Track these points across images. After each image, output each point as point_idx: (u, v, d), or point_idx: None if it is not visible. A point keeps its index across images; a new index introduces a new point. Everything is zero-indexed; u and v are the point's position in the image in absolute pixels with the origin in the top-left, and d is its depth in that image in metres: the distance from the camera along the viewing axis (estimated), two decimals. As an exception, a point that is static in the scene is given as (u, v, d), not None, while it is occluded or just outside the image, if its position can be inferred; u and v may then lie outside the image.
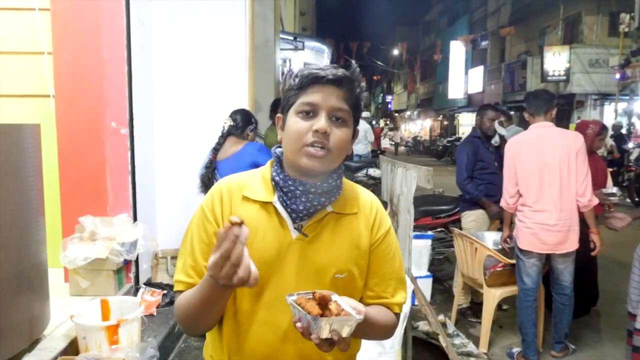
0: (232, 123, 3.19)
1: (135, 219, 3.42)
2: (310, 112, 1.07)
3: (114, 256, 2.97)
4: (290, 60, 9.52)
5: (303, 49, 9.44)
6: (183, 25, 3.85)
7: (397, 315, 1.21)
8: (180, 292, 1.11)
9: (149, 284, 3.55)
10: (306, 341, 1.03)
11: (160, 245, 3.72)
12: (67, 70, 3.19)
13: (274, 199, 1.11)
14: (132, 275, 3.41)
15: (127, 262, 3.24)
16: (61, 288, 3.08)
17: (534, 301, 3.18)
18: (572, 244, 3.07)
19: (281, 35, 8.10)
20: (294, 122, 1.08)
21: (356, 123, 1.15)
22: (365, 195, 1.22)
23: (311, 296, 0.95)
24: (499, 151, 4.09)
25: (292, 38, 9.20)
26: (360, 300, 1.14)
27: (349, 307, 0.95)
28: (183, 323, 1.10)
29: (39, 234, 2.38)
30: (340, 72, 1.08)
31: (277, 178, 1.12)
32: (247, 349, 1.12)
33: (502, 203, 3.28)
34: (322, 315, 0.91)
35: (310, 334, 0.91)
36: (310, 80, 1.07)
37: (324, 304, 0.94)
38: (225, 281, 0.89)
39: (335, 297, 0.97)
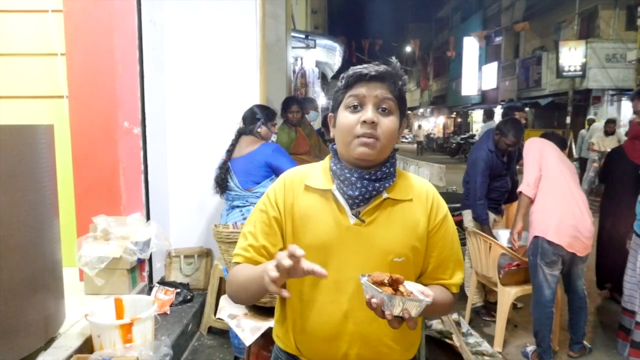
0: (242, 124, 3.20)
1: (148, 218, 3.45)
2: (357, 106, 1.15)
3: (127, 255, 2.99)
4: (301, 59, 9.51)
5: (315, 47, 9.41)
6: (194, 25, 3.86)
7: (454, 294, 1.27)
8: (237, 263, 1.23)
9: (162, 282, 3.58)
10: (365, 321, 1.17)
11: (173, 244, 3.75)
12: (80, 71, 3.21)
13: (333, 187, 1.20)
14: (145, 274, 3.44)
15: (140, 261, 3.27)
16: (76, 287, 3.12)
17: (552, 312, 3.08)
18: (590, 247, 3.04)
19: (292, 34, 8.09)
20: (344, 116, 1.17)
21: (402, 114, 1.21)
22: (420, 183, 1.28)
23: (384, 278, 1.01)
24: (511, 155, 3.91)
25: (303, 36, 9.17)
26: (419, 282, 1.20)
27: (417, 291, 1.02)
28: (229, 291, 1.24)
29: (53, 234, 2.41)
30: (382, 67, 1.16)
31: (334, 167, 1.21)
32: (310, 329, 1.20)
33: (523, 186, 3.12)
34: (395, 295, 0.98)
35: (383, 311, 0.98)
36: (355, 79, 1.16)
37: (395, 286, 1.01)
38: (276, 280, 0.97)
39: (405, 282, 1.04)
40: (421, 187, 1.26)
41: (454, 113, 32.55)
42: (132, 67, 3.33)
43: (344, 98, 1.18)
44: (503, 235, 3.72)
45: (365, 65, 1.17)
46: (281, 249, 1.21)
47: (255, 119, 3.19)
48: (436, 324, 3.41)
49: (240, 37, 3.89)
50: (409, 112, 46.24)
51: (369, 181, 1.17)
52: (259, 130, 3.18)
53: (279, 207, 1.23)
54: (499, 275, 3.35)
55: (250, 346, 2.12)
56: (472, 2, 27.69)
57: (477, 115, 28.37)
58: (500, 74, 22.34)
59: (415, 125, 42.27)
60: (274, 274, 0.95)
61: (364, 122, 1.13)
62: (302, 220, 1.20)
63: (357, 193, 1.17)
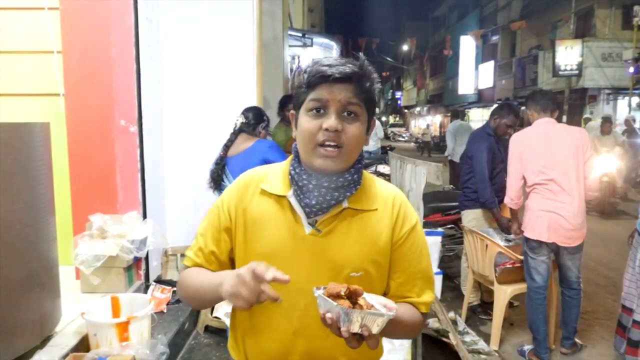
0: (243, 120, 3.19)
1: (145, 216, 3.44)
2: (320, 110, 1.05)
3: (124, 253, 2.98)
4: (298, 57, 9.51)
5: (312, 45, 9.42)
6: (191, 23, 3.85)
7: (424, 315, 1.17)
8: (187, 267, 1.20)
9: (159, 281, 3.57)
10: (318, 338, 1.09)
11: (170, 242, 3.74)
12: (76, 69, 3.20)
13: (289, 193, 1.11)
14: (142, 272, 3.43)
15: (137, 260, 3.26)
16: (72, 285, 3.11)
17: (543, 299, 3.15)
18: (582, 237, 3.06)
19: (289, 32, 8.09)
20: (305, 121, 1.07)
21: (370, 116, 1.12)
22: (388, 191, 1.17)
23: (340, 290, 0.92)
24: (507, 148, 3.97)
25: (300, 35, 9.18)
26: None
27: (379, 304, 0.93)
28: (181, 295, 1.22)
29: (49, 232, 2.40)
30: (348, 68, 1.04)
31: (293, 172, 1.12)
32: (260, 345, 1.14)
33: (507, 200, 3.25)
34: (353, 309, 0.89)
35: (339, 327, 0.89)
36: (318, 80, 1.04)
37: (354, 299, 0.91)
38: (237, 303, 0.95)
39: (365, 294, 0.94)
40: (389, 194, 1.15)
41: (451, 112, 32.60)
42: (128, 65, 3.31)
43: (305, 99, 1.07)
44: (498, 234, 3.73)
45: (329, 63, 1.05)
46: (230, 256, 1.18)
47: (262, 119, 3.21)
48: (432, 323, 3.42)
49: (237, 35, 3.88)
50: (406, 110, 46.43)
51: (328, 189, 1.07)
52: (260, 130, 3.20)
53: (230, 214, 1.15)
54: (495, 273, 3.36)
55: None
56: (468, 1, 27.71)
57: (474, 114, 28.42)
58: (497, 72, 22.37)
59: (413, 124, 42.31)
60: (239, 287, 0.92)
61: (326, 129, 1.03)
62: (254, 226, 1.12)
63: (314, 202, 1.07)
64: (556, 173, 3.02)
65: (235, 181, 1.21)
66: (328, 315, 0.89)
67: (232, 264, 1.20)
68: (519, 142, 3.17)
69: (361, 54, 1.11)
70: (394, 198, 1.15)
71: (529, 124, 3.29)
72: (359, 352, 0.99)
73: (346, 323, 0.88)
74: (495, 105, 4.23)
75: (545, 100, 3.21)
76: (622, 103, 16.01)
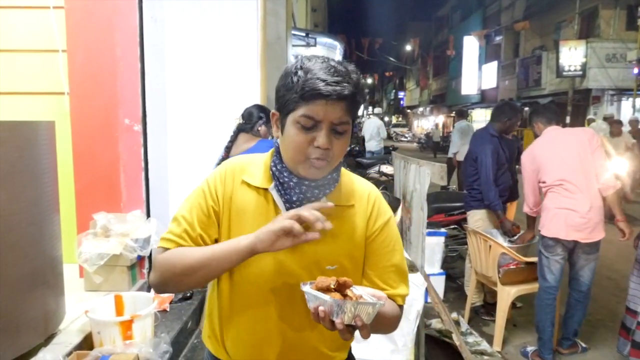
0: (241, 121, 3.19)
1: (148, 215, 3.45)
2: (310, 127, 1.05)
3: (127, 252, 2.99)
4: (302, 57, 9.51)
5: (315, 45, 9.42)
6: (195, 23, 3.85)
7: (401, 307, 1.20)
8: (165, 249, 1.13)
9: (162, 280, 3.57)
10: (296, 329, 1.13)
11: (173, 241, 3.74)
12: (81, 68, 3.21)
13: (271, 186, 1.14)
14: (145, 271, 3.44)
15: (140, 258, 3.27)
16: (76, 284, 3.12)
17: (553, 300, 3.14)
18: (599, 233, 3.05)
19: (293, 32, 8.09)
20: (294, 133, 1.06)
21: (354, 122, 1.12)
22: (364, 187, 1.21)
23: (330, 283, 0.93)
24: (511, 148, 3.98)
25: (304, 34, 9.18)
26: None
27: (367, 294, 0.95)
28: (164, 275, 1.11)
29: (53, 230, 2.41)
30: (347, 90, 1.03)
31: (274, 169, 1.14)
32: (239, 335, 1.17)
33: (525, 209, 3.30)
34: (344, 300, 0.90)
35: (331, 321, 0.91)
36: (313, 95, 1.02)
37: (343, 290, 0.93)
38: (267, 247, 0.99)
39: (353, 285, 0.96)
40: (364, 190, 1.20)
41: (454, 112, 32.57)
42: (133, 64, 3.32)
43: (295, 108, 1.05)
44: (503, 235, 3.73)
45: (325, 78, 1.02)
46: (216, 241, 1.16)
47: (258, 117, 3.19)
48: (435, 323, 3.42)
49: (241, 35, 3.89)
50: (409, 110, 46.40)
51: (309, 187, 1.11)
52: (259, 128, 3.18)
53: (218, 199, 1.15)
54: (499, 274, 3.35)
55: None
56: (472, 1, 27.67)
57: (477, 115, 28.38)
58: (500, 73, 22.35)
59: (416, 124, 42.26)
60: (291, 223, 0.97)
61: (317, 147, 1.04)
62: (237, 216, 1.14)
63: (294, 198, 1.11)
64: (565, 173, 3.04)
65: (219, 168, 1.20)
66: (321, 308, 0.90)
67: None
68: (531, 157, 3.23)
69: (353, 66, 1.09)
70: (369, 194, 1.19)
71: (536, 136, 3.36)
72: (334, 340, 1.11)
73: (340, 315, 0.88)
74: (494, 107, 4.24)
75: (549, 113, 3.30)
76: (627, 104, 15.96)
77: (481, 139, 3.96)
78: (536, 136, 3.36)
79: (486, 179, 3.75)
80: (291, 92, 1.05)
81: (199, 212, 1.14)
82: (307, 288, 0.93)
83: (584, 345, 3.36)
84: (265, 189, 1.14)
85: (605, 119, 12.20)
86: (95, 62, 3.22)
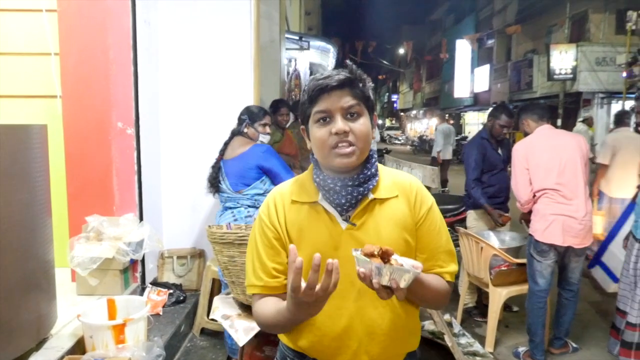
0: (235, 125, 3.22)
1: (141, 218, 3.44)
2: (326, 118, 1.18)
3: (120, 256, 2.98)
4: (295, 60, 9.53)
5: (309, 48, 9.44)
6: (189, 26, 3.86)
7: (450, 283, 1.30)
8: (255, 295, 1.27)
9: (155, 283, 3.57)
10: (372, 318, 1.22)
11: (166, 245, 3.74)
12: (73, 71, 3.21)
13: (319, 197, 1.23)
14: (138, 274, 3.43)
15: (133, 262, 3.26)
16: (68, 287, 3.11)
17: (545, 303, 3.16)
18: (591, 238, 3.10)
19: (286, 35, 8.11)
20: (316, 131, 1.19)
21: (371, 112, 1.24)
22: (404, 178, 1.31)
23: (374, 249, 1.05)
24: (507, 150, 4.00)
25: (297, 38, 9.20)
26: None
27: (408, 264, 1.06)
28: (263, 327, 1.28)
29: (46, 234, 2.40)
30: (342, 75, 1.18)
31: (317, 179, 1.24)
32: (318, 329, 1.23)
33: (518, 205, 3.28)
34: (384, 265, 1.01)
35: (371, 281, 1.01)
36: (317, 92, 1.17)
37: (386, 258, 1.04)
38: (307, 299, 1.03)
39: (395, 255, 1.07)
40: (404, 181, 1.29)
41: (447, 115, 32.68)
42: (126, 67, 3.32)
43: (311, 113, 1.20)
44: (494, 237, 3.76)
45: (325, 75, 1.19)
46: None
47: (240, 119, 3.22)
48: (428, 325, 3.44)
49: (234, 38, 3.90)
50: (402, 113, 46.54)
51: (353, 187, 1.20)
52: (245, 130, 3.20)
53: (275, 226, 1.25)
54: (490, 275, 3.38)
55: (243, 346, 2.12)
56: (465, 5, 27.84)
57: (469, 118, 28.54)
58: (493, 76, 22.49)
59: (409, 127, 42.39)
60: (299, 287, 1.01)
61: (336, 133, 1.15)
62: (296, 233, 1.23)
63: (343, 200, 1.20)
64: (565, 177, 3.04)
65: (267, 198, 1.31)
66: (361, 270, 1.02)
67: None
68: (522, 153, 3.18)
69: (348, 61, 1.23)
70: (411, 184, 1.29)
71: (526, 134, 3.33)
72: (406, 325, 1.25)
73: (377, 277, 1.01)
74: (494, 106, 4.29)
75: (540, 110, 3.28)
76: (616, 107, 16.10)
77: (471, 142, 4.06)
78: (525, 134, 3.33)
79: (467, 180, 3.89)
80: (304, 104, 1.22)
81: (264, 247, 1.25)
82: (356, 253, 1.05)
83: (574, 345, 3.39)
84: (315, 202, 1.24)
85: (584, 120, 12.37)
86: (88, 65, 3.21)
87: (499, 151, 3.97)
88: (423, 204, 1.27)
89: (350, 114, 1.17)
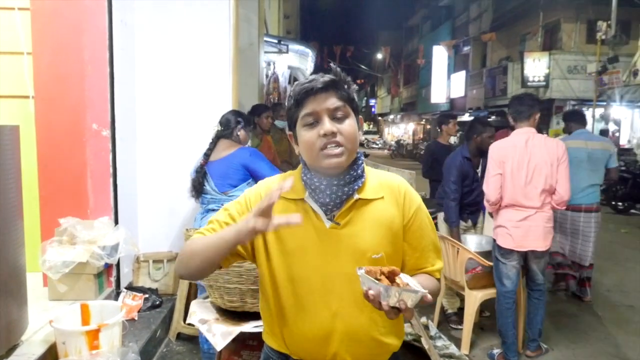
0: (220, 128, 3.19)
1: (116, 222, 3.38)
2: (313, 122, 1.19)
3: (94, 260, 2.92)
4: (274, 63, 9.51)
5: (287, 52, 9.43)
6: (167, 27, 3.82)
7: (438, 280, 1.33)
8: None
9: (130, 288, 3.51)
10: (354, 318, 1.22)
11: (142, 249, 3.68)
12: (47, 71, 3.14)
13: (305, 195, 1.25)
14: (113, 279, 3.37)
15: (108, 266, 3.20)
16: (40, 292, 3.03)
17: (513, 303, 3.24)
18: (550, 242, 3.18)
19: (265, 38, 8.09)
20: (303, 134, 1.21)
21: (357, 114, 1.25)
22: (392, 179, 1.32)
23: (379, 270, 1.05)
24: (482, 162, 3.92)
25: (276, 41, 9.18)
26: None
27: (413, 283, 1.08)
28: (180, 260, 1.25)
29: (17, 238, 2.34)
30: (327, 78, 1.20)
31: (305, 178, 1.26)
32: (300, 330, 1.24)
33: (485, 204, 3.32)
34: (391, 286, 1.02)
35: (379, 302, 1.02)
36: (304, 95, 1.19)
37: (392, 277, 1.05)
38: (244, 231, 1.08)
39: (401, 274, 1.08)
40: (392, 183, 1.30)
41: (424, 120, 33.11)
42: (101, 67, 3.27)
43: (298, 116, 1.21)
44: (470, 240, 3.82)
45: (310, 79, 1.21)
46: (251, 250, 1.29)
47: (236, 121, 3.20)
48: (405, 327, 3.46)
49: (213, 41, 3.88)
50: (380, 118, 46.92)
51: (338, 187, 1.21)
52: (238, 133, 3.19)
53: (249, 209, 1.26)
54: (466, 279, 3.43)
55: (221, 351, 2.10)
56: (441, 12, 28.28)
57: (445, 123, 28.78)
58: (468, 82, 22.86)
59: (386, 131, 42.75)
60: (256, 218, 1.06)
61: (324, 134, 1.17)
62: (280, 229, 1.21)
63: (328, 200, 1.21)
64: (530, 187, 3.09)
65: (255, 188, 1.33)
66: (370, 292, 1.02)
67: (252, 250, 1.29)
68: (499, 152, 3.19)
69: (332, 64, 1.26)
70: (398, 185, 1.30)
71: (513, 128, 3.32)
72: (386, 325, 1.25)
73: (386, 298, 1.01)
74: (466, 128, 4.24)
75: (522, 107, 3.20)
76: (587, 114, 16.57)
77: (453, 159, 3.93)
78: (510, 125, 3.32)
79: (447, 200, 3.84)
80: (291, 108, 1.24)
81: (225, 217, 1.27)
82: (361, 272, 1.05)
83: (545, 346, 3.47)
84: (301, 199, 1.25)
85: (563, 130, 12.71)
86: (62, 65, 3.15)
87: (477, 168, 3.94)
88: (412, 204, 1.28)
89: (337, 116, 1.19)
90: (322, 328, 1.22)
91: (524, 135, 3.18)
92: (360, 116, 1.29)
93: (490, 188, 3.21)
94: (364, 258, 1.21)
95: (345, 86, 1.22)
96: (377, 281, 1.02)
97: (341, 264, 1.21)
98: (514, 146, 3.18)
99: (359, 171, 1.25)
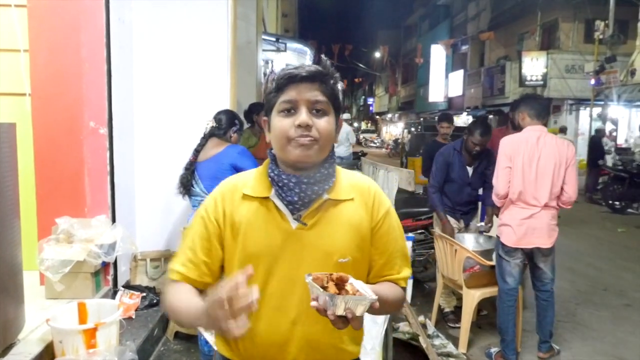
0: (214, 124, 3.16)
1: (114, 220, 3.37)
2: (290, 109, 1.13)
3: (91, 258, 2.91)
4: (272, 62, 9.50)
5: (285, 50, 9.43)
6: (164, 25, 3.81)
7: (404, 289, 1.28)
8: (174, 281, 1.19)
9: (127, 286, 3.50)
10: (314, 325, 1.15)
11: (140, 247, 3.67)
12: (44, 69, 3.12)
13: (271, 193, 1.18)
14: (110, 277, 3.36)
15: (105, 265, 3.19)
16: (36, 291, 3.01)
17: (514, 302, 3.23)
18: (554, 239, 3.17)
19: (263, 37, 8.08)
20: (278, 120, 1.14)
21: (337, 113, 1.20)
22: (362, 181, 1.27)
23: (324, 277, 1.00)
24: (487, 162, 3.90)
25: (274, 39, 9.18)
26: (368, 280, 1.21)
27: (364, 289, 1.01)
28: (169, 312, 1.17)
29: (14, 236, 2.33)
30: (313, 67, 1.14)
31: (272, 174, 1.18)
32: (258, 336, 1.17)
33: (494, 199, 3.27)
34: (338, 294, 0.96)
35: (326, 311, 0.96)
36: (286, 80, 1.13)
37: (341, 284, 0.99)
38: (214, 322, 0.92)
39: (351, 279, 1.02)
40: (362, 185, 1.25)
41: (422, 119, 33.12)
42: (99, 65, 3.25)
43: (276, 102, 1.15)
44: (468, 239, 3.82)
45: (296, 66, 1.15)
46: (222, 264, 1.21)
47: (233, 122, 3.18)
48: (403, 326, 3.47)
49: (211, 39, 3.86)
50: (378, 116, 46.91)
51: (308, 185, 1.15)
52: (231, 134, 3.17)
53: (218, 221, 1.20)
54: (464, 277, 3.43)
55: (219, 350, 2.09)
56: (439, 11, 28.27)
57: (443, 122, 28.77)
58: (466, 81, 22.87)
59: (384, 130, 42.76)
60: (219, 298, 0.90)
61: (299, 125, 1.11)
62: (243, 229, 1.17)
63: (296, 198, 1.15)
64: (538, 184, 3.08)
65: (215, 190, 1.26)
66: (314, 304, 0.97)
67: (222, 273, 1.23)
68: (510, 147, 3.16)
69: (323, 55, 1.20)
70: (369, 187, 1.25)
71: (518, 126, 3.28)
72: (348, 334, 1.19)
73: (331, 307, 0.95)
74: (473, 120, 4.29)
75: (539, 107, 3.20)
76: (584, 113, 16.61)
77: (444, 149, 4.01)
78: (517, 125, 3.25)
79: (429, 185, 3.95)
80: (270, 92, 1.17)
81: (200, 239, 1.20)
82: (309, 279, 0.99)
83: (557, 347, 3.46)
84: (266, 197, 1.18)
85: (561, 130, 12.76)
86: (59, 62, 3.14)
87: (470, 166, 3.91)
88: (381, 207, 1.23)
89: (316, 110, 1.13)
90: (280, 334, 1.16)
91: (536, 133, 3.15)
92: (341, 117, 1.22)
93: (500, 181, 3.18)
94: (331, 262, 1.15)
95: (332, 81, 1.16)
96: (322, 289, 0.96)
97: (305, 268, 1.12)
98: (526, 142, 3.14)
99: (331, 170, 1.19)
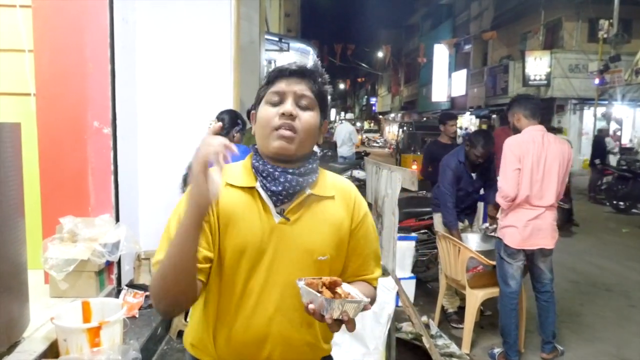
0: (215, 123, 3.17)
1: (117, 219, 3.38)
2: (277, 101, 1.16)
3: (95, 257, 2.92)
4: (275, 61, 9.51)
5: (288, 50, 9.44)
6: (168, 25, 3.81)
7: (375, 288, 1.32)
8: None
9: (131, 285, 3.51)
10: (289, 322, 1.16)
11: (143, 246, 3.68)
12: (48, 69, 3.13)
13: (257, 184, 1.18)
14: (114, 276, 3.37)
15: (109, 264, 3.20)
16: (41, 290, 3.03)
17: (516, 304, 3.22)
18: (556, 239, 3.18)
19: (266, 36, 8.09)
20: (264, 110, 1.17)
21: (323, 114, 1.22)
22: (343, 182, 1.30)
23: (319, 282, 1.01)
24: (487, 172, 3.91)
25: (277, 39, 9.20)
26: (343, 279, 1.19)
27: (354, 292, 1.04)
28: (156, 289, 1.07)
29: (18, 235, 2.34)
30: (304, 65, 1.20)
31: (256, 164, 1.19)
32: (235, 333, 1.16)
33: (498, 199, 3.19)
34: (333, 298, 0.98)
35: (322, 315, 0.98)
36: (276, 74, 1.18)
37: (333, 288, 1.01)
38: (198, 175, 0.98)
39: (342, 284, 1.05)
40: (343, 185, 1.28)
41: (424, 118, 33.08)
42: (103, 65, 3.26)
43: (265, 94, 1.18)
44: (472, 239, 3.82)
45: (286, 65, 1.20)
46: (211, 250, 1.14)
47: (236, 122, 3.19)
48: (406, 326, 3.47)
49: (214, 39, 3.87)
50: (380, 116, 46.89)
51: (293, 176, 1.16)
52: (234, 134, 3.19)
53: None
54: (467, 277, 3.43)
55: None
56: (442, 10, 28.24)
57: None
58: (469, 81, 22.85)
59: (387, 130, 42.72)
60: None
61: (283, 114, 1.13)
62: (228, 220, 1.15)
63: (280, 188, 1.15)
64: (545, 184, 3.07)
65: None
66: (310, 306, 0.98)
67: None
68: (519, 148, 3.10)
69: (316, 57, 1.23)
70: (350, 189, 1.28)
71: (514, 127, 3.25)
72: (322, 332, 1.22)
73: (328, 311, 0.97)
74: (474, 131, 4.26)
75: (533, 106, 3.18)
76: (588, 113, 16.57)
77: (449, 160, 3.88)
78: (514, 128, 3.24)
79: (443, 203, 3.81)
80: (261, 87, 1.21)
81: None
82: (301, 284, 1.01)
83: (562, 348, 3.45)
84: (251, 187, 1.18)
85: (559, 130, 12.73)
86: (64, 62, 3.15)
87: (474, 173, 3.89)
88: (361, 210, 1.26)
89: (302, 104, 1.16)
90: (257, 331, 1.16)
91: (539, 132, 3.13)
92: (326, 120, 1.24)
93: (509, 184, 3.07)
94: (310, 259, 1.16)
95: (320, 79, 1.19)
96: (318, 294, 0.97)
97: (286, 263, 1.15)
98: (533, 142, 3.10)
99: (314, 165, 1.22)
